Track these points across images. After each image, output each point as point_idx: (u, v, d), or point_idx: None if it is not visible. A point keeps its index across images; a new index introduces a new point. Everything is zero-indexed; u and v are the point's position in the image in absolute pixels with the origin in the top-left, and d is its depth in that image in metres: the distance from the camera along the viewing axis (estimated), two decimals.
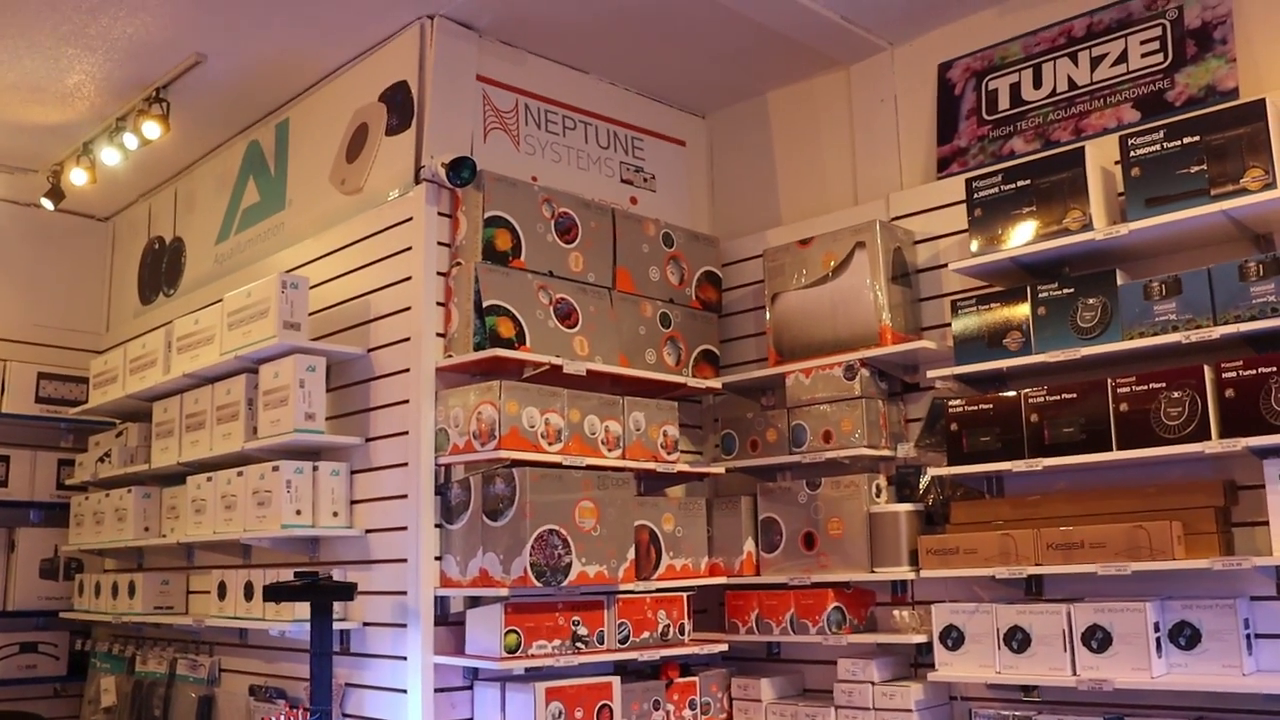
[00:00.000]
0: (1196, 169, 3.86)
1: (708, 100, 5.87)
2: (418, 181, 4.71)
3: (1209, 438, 3.75)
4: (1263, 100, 3.80)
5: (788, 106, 5.70)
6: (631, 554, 4.52)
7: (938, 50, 5.12)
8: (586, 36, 5.15)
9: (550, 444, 4.42)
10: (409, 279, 4.66)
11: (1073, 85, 4.63)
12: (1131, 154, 4.01)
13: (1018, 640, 4.09)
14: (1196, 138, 3.88)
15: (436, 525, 4.47)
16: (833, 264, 4.87)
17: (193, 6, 4.76)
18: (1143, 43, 4.48)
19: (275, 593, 4.22)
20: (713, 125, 6.01)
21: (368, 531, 4.69)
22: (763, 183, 5.74)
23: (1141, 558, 3.85)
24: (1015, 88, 4.81)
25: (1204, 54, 4.30)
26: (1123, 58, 4.51)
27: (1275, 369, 3.66)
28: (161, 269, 6.67)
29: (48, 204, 6.29)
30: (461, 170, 4.53)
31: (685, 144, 5.89)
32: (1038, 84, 4.74)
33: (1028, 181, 4.26)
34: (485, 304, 4.47)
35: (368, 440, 4.76)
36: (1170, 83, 4.36)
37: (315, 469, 4.74)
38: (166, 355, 5.53)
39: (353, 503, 4.79)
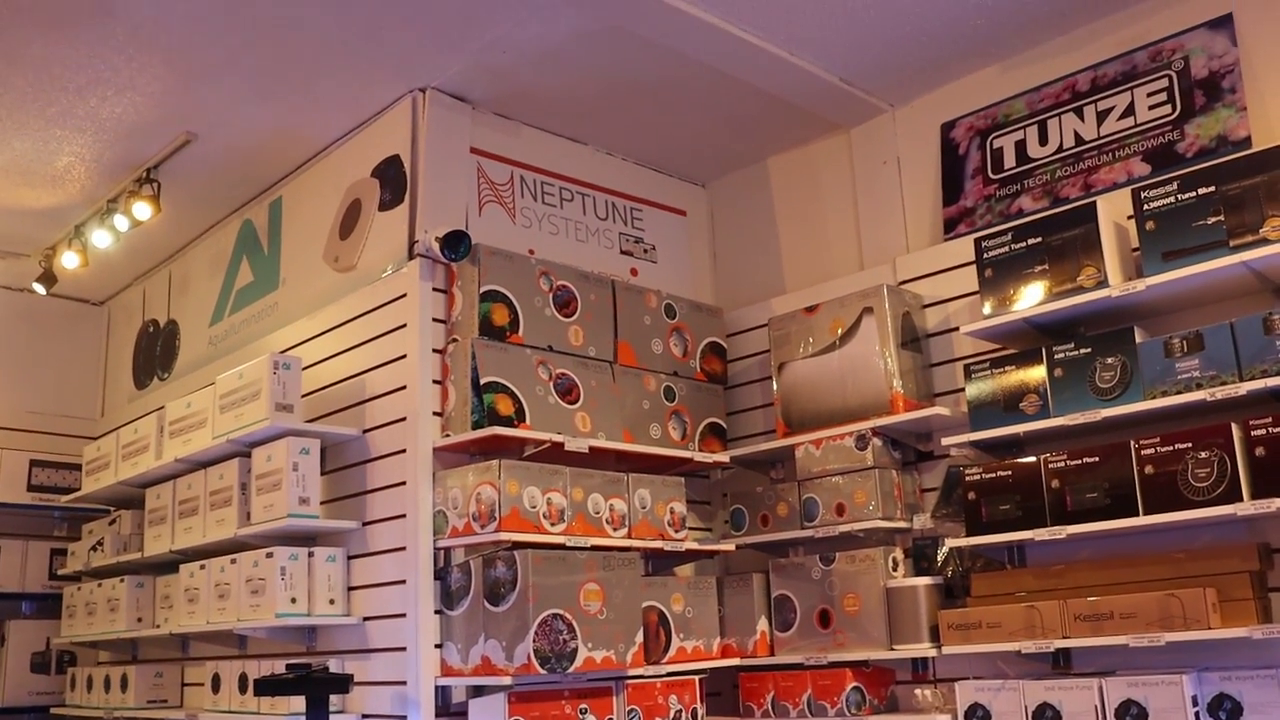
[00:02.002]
0: (1214, 220, 3.74)
1: (707, 169, 5.79)
2: (411, 257, 4.60)
3: (1240, 498, 3.58)
4: (1279, 148, 3.68)
5: (788, 172, 5.60)
6: (640, 637, 4.33)
7: (939, 110, 5.02)
8: (582, 107, 5.07)
9: (553, 524, 4.26)
10: (404, 357, 4.53)
11: (1080, 140, 4.52)
12: (1145, 207, 3.89)
13: (1047, 718, 3.89)
14: (1212, 188, 3.76)
15: (436, 611, 4.30)
16: (840, 331, 4.74)
17: (181, 86, 4.69)
18: (1150, 95, 4.37)
19: (267, 686, 4.03)
20: (713, 194, 5.92)
21: (366, 619, 4.51)
22: (765, 250, 5.63)
23: (1175, 628, 3.66)
24: (1021, 145, 4.70)
25: (1213, 104, 4.20)
26: (1130, 110, 4.41)
27: None
28: (155, 352, 6.55)
29: (40, 289, 6.19)
30: (456, 244, 4.42)
31: (686, 213, 5.79)
32: (1044, 140, 4.63)
33: (1039, 239, 4.13)
34: (483, 381, 4.33)
35: (364, 524, 4.59)
36: (1180, 134, 4.25)
37: (310, 555, 4.58)
38: (159, 440, 5.39)
39: (350, 589, 4.62)
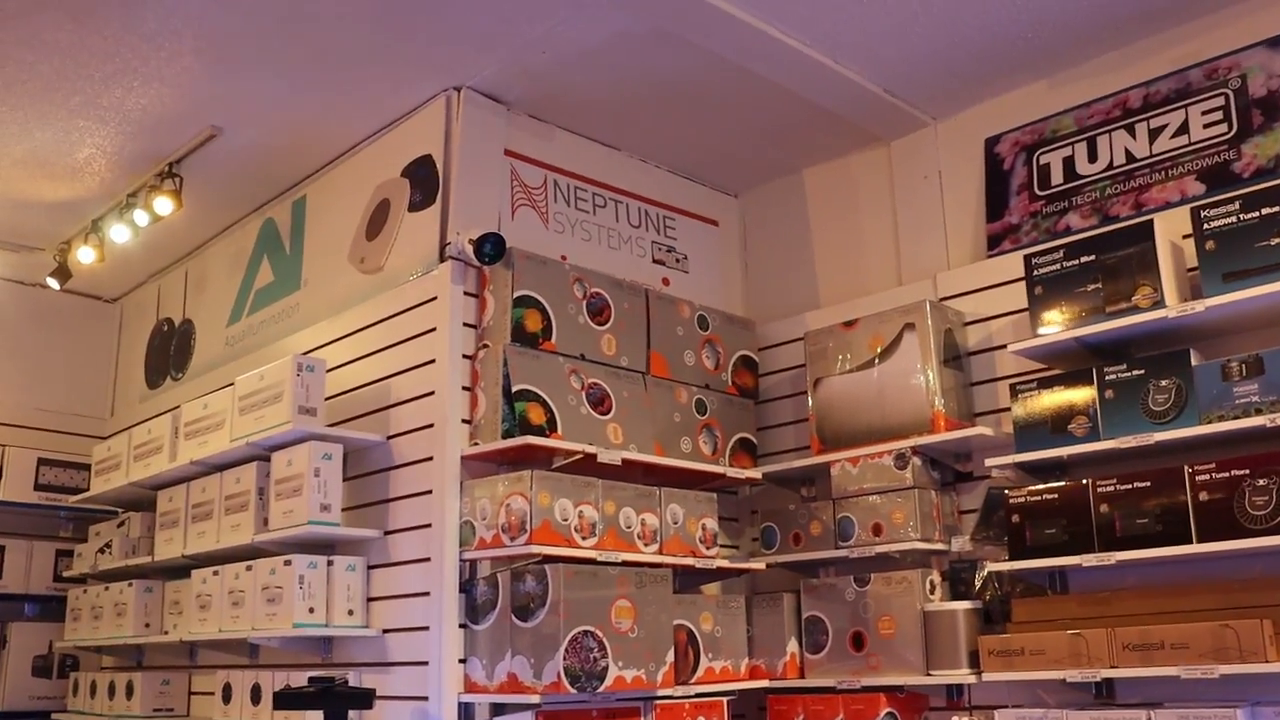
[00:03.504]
0: (1277, 241, 3.63)
1: (741, 178, 5.68)
2: (442, 259, 4.48)
3: None
4: None
5: (825, 184, 5.49)
6: (670, 656, 4.21)
7: (984, 124, 4.92)
8: (617, 112, 4.96)
9: (584, 538, 4.14)
10: (433, 362, 4.41)
11: (1131, 158, 4.42)
12: (1205, 227, 3.78)
13: None
14: (1276, 208, 3.65)
15: (461, 625, 4.17)
16: (880, 347, 4.62)
17: (209, 78, 4.58)
18: (1204, 113, 4.27)
19: (287, 699, 3.90)
20: (745, 204, 5.81)
21: (385, 631, 4.38)
22: (799, 264, 5.52)
23: (1230, 659, 3.53)
24: (1069, 161, 4.59)
25: (1272, 123, 4.09)
26: (1183, 129, 4.31)
27: None
28: (170, 352, 6.43)
29: (54, 283, 6.07)
30: (491, 247, 4.30)
31: (718, 224, 5.68)
32: (1093, 158, 4.53)
33: (1092, 257, 4.02)
34: (514, 388, 4.21)
35: (387, 533, 4.47)
36: (1237, 154, 4.14)
37: (330, 564, 4.45)
38: (173, 441, 5.27)
39: (369, 600, 4.49)
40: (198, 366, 6.12)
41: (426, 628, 4.18)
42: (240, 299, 5.85)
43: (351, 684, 4.29)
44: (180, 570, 5.24)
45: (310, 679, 3.89)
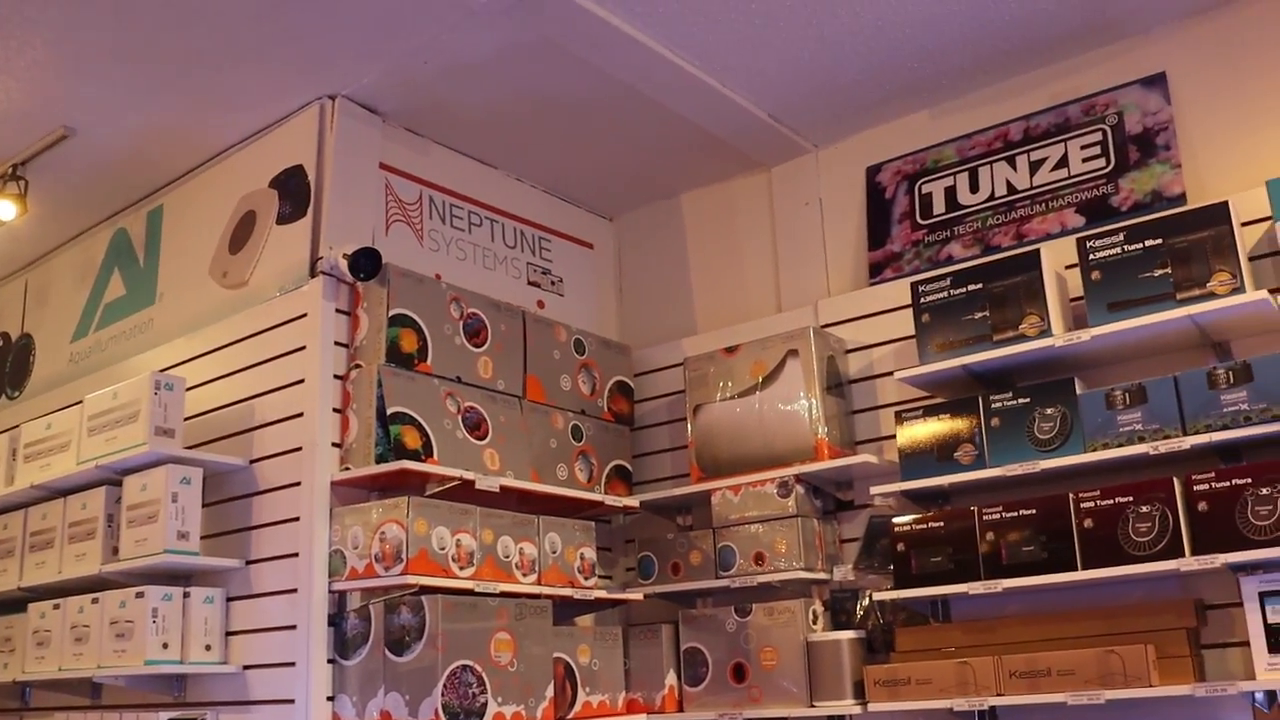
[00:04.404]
0: (1160, 272, 3.69)
1: (616, 201, 5.59)
2: (314, 274, 4.27)
3: (1182, 554, 3.51)
4: (1225, 203, 3.66)
5: (703, 209, 5.44)
6: (550, 691, 4.05)
7: (865, 153, 4.93)
8: (495, 128, 4.82)
9: (462, 568, 3.96)
10: (302, 382, 4.18)
11: (1012, 189, 4.47)
12: (1091, 257, 3.82)
13: None
14: (1159, 240, 3.71)
15: (330, 660, 3.93)
16: (762, 374, 4.57)
17: (62, 74, 4.27)
18: (1083, 147, 4.35)
19: None
20: (620, 228, 5.72)
21: (246, 668, 4.11)
22: (676, 289, 5.44)
23: (1115, 685, 3.55)
24: (951, 191, 4.63)
25: (1147, 159, 4.19)
26: (1063, 162, 4.38)
27: (1249, 480, 3.45)
28: (5, 369, 6.01)
29: None
30: (366, 262, 4.11)
31: (593, 246, 5.58)
32: (974, 188, 4.57)
33: (979, 286, 4.04)
34: (389, 411, 4.02)
35: (249, 563, 4.20)
36: (1115, 188, 4.22)
37: (186, 595, 4.16)
38: (10, 464, 4.89)
39: (228, 634, 4.21)
40: (36, 384, 5.73)
41: (292, 663, 3.94)
42: (87, 313, 5.50)
43: None
44: (15, 604, 4.85)
45: None
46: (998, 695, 3.76)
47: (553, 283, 5.30)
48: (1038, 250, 3.96)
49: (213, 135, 4.77)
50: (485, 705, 3.79)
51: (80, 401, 4.52)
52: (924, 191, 4.70)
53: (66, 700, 4.83)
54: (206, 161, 4.96)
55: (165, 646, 4.07)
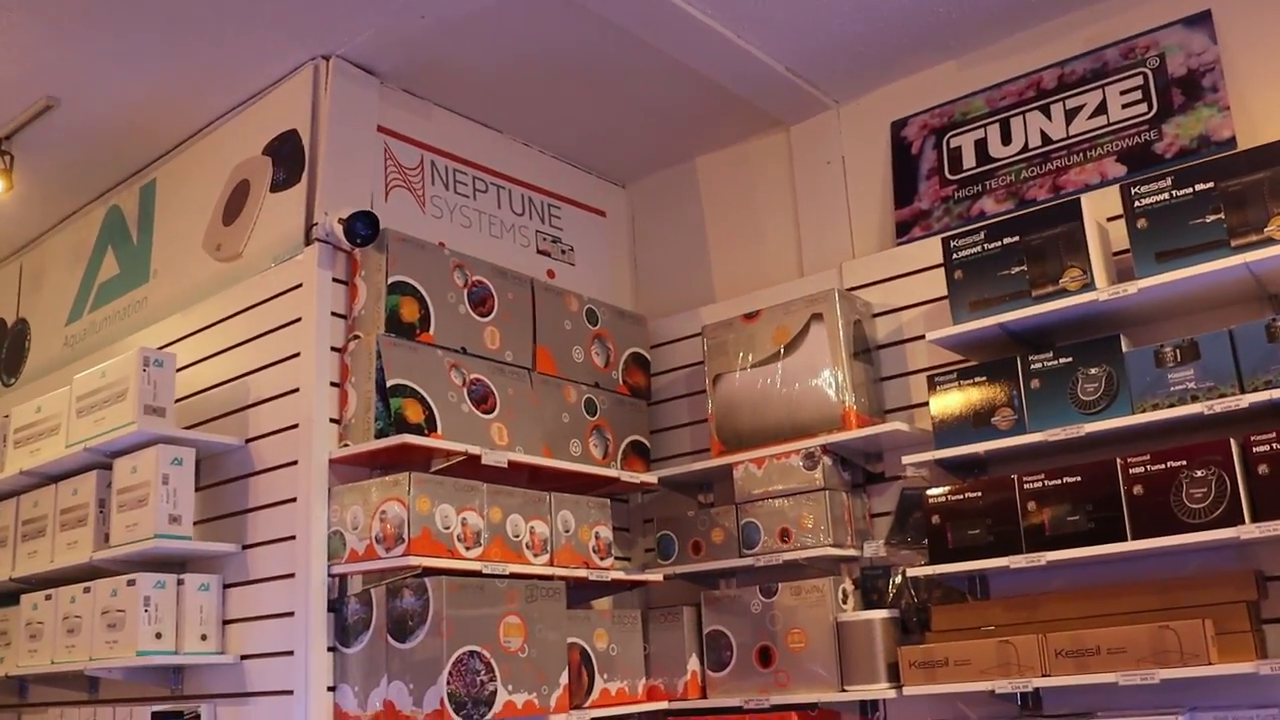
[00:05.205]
0: (1213, 218, 3.42)
1: (628, 168, 5.34)
2: (309, 242, 4.04)
3: (1241, 521, 3.24)
4: None
5: (720, 172, 5.19)
6: (565, 678, 3.82)
7: (889, 107, 4.67)
8: (500, 90, 4.59)
9: (468, 548, 3.73)
10: (297, 355, 3.96)
11: (1047, 140, 4.20)
12: (1136, 204, 3.55)
13: None
14: (1211, 184, 3.44)
15: (330, 649, 3.71)
16: (785, 340, 4.32)
17: (45, 41, 4.06)
18: (1123, 93, 4.08)
19: None
20: (634, 195, 5.48)
21: (244, 658, 3.90)
22: (692, 257, 5.20)
23: (1171, 663, 3.29)
24: (981, 144, 4.36)
25: (1193, 103, 3.91)
26: (1101, 109, 4.11)
27: None
28: (0, 355, 5.81)
29: None
30: (363, 227, 3.88)
31: (605, 214, 5.33)
32: (1006, 140, 4.30)
33: (1015, 238, 3.77)
34: (389, 383, 3.79)
35: (245, 547, 3.99)
36: (1158, 134, 3.95)
37: (181, 583, 3.94)
38: (0, 450, 4.69)
39: (225, 623, 4.00)
40: (33, 370, 5.53)
41: (291, 652, 3.72)
42: (82, 294, 5.29)
43: (205, 718, 3.81)
44: (9, 596, 4.65)
45: (155, 714, 3.39)
46: (1043, 676, 3.50)
47: (563, 251, 5.06)
48: (1078, 199, 3.69)
49: (204, 103, 4.55)
50: (495, 693, 3.56)
51: (70, 383, 4.31)
52: (953, 145, 4.43)
53: (64, 695, 4.63)
54: (199, 131, 4.74)
55: (159, 637, 3.86)
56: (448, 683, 3.43)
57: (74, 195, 5.27)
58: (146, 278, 4.89)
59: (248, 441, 4.08)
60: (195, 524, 4.02)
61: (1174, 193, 3.49)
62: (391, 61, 4.33)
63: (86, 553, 4.13)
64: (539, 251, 4.95)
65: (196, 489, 4.04)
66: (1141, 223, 3.53)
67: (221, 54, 4.22)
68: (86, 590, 4.08)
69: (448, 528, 3.67)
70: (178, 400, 4.26)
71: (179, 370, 4.27)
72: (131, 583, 3.87)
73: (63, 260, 5.49)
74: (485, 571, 3.72)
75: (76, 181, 5.13)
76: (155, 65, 4.27)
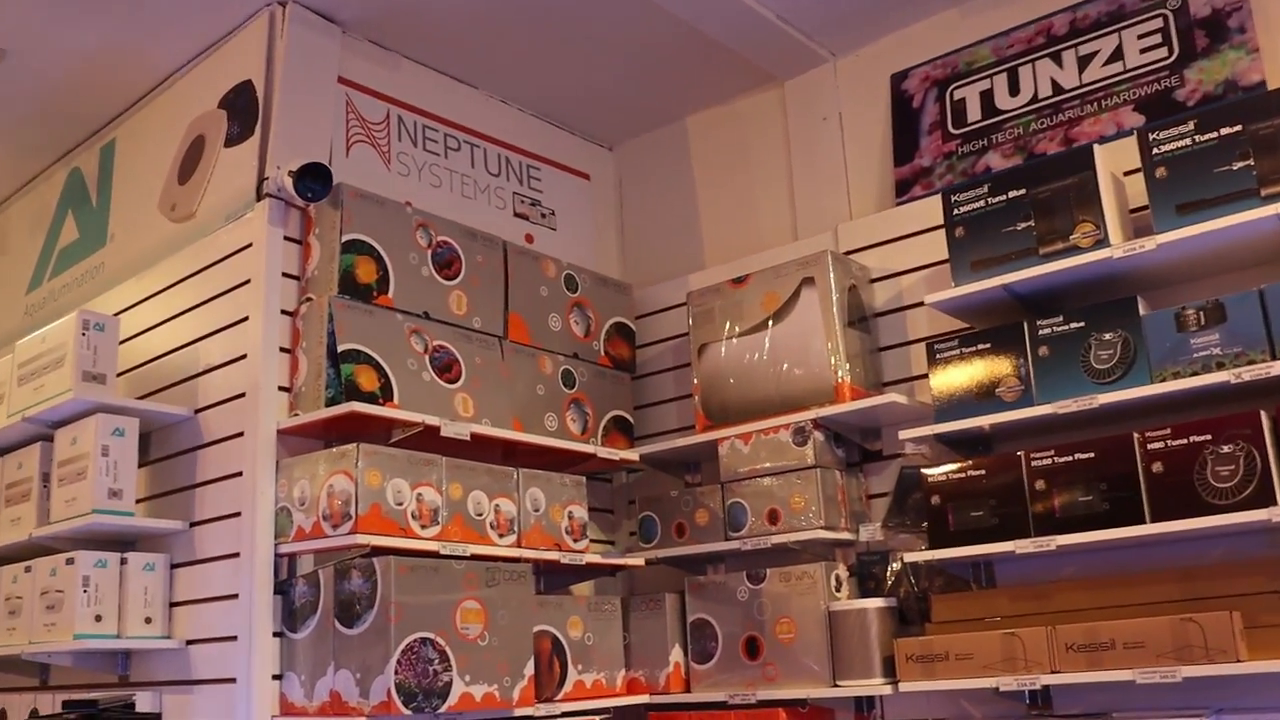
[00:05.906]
0: (1241, 165, 3.09)
1: (615, 128, 5.04)
2: (260, 199, 3.75)
3: (1273, 502, 2.93)
4: None
5: (710, 133, 4.88)
6: (530, 668, 3.52)
7: (889, 59, 4.36)
8: (474, 42, 4.29)
9: (424, 527, 3.44)
10: (246, 320, 3.68)
11: (1058, 89, 3.88)
12: (1155, 152, 3.22)
13: None
14: (1238, 128, 3.11)
15: (276, 634, 3.44)
16: (774, 306, 4.01)
17: None
18: (1140, 37, 3.76)
19: None
20: (620, 158, 5.17)
21: (189, 643, 3.62)
22: (682, 222, 4.89)
23: (1194, 659, 2.97)
24: (987, 96, 4.04)
25: (1218, 45, 3.58)
26: (1117, 55, 3.78)
27: None
28: None
29: None
30: (313, 180, 3.59)
31: (589, 177, 5.03)
32: (1014, 90, 3.98)
33: (1022, 191, 3.45)
34: (341, 348, 3.50)
35: (192, 525, 3.71)
36: (1180, 80, 3.62)
37: (124, 562, 3.67)
38: None
39: (172, 605, 3.73)
40: None
41: (235, 638, 3.44)
42: (42, 261, 5.03)
43: (141, 708, 3.54)
44: None
45: (65, 704, 3.12)
46: (1052, 672, 3.19)
47: (543, 215, 4.76)
48: (1090, 147, 3.36)
49: (161, 54, 4.28)
50: (449, 684, 3.26)
51: (13, 350, 4.05)
52: (956, 97, 4.11)
53: (15, 681, 4.37)
54: (157, 86, 4.47)
55: (99, 619, 3.59)
56: (396, 672, 3.14)
57: (33, 157, 5.02)
58: (104, 242, 4.62)
59: (197, 412, 3.80)
60: (144, 500, 3.78)
61: (1197, 138, 3.17)
62: (353, 9, 4.05)
63: (28, 529, 3.87)
64: (517, 214, 4.65)
65: (146, 463, 3.80)
66: (1161, 171, 3.20)
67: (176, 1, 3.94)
68: (28, 570, 3.82)
69: (400, 504, 3.38)
70: (130, 369, 4.00)
71: (131, 338, 4.02)
72: (70, 561, 3.60)
73: (24, 228, 5.23)
74: (443, 552, 3.43)
75: (33, 141, 4.87)
76: (104, 14, 3.99)
